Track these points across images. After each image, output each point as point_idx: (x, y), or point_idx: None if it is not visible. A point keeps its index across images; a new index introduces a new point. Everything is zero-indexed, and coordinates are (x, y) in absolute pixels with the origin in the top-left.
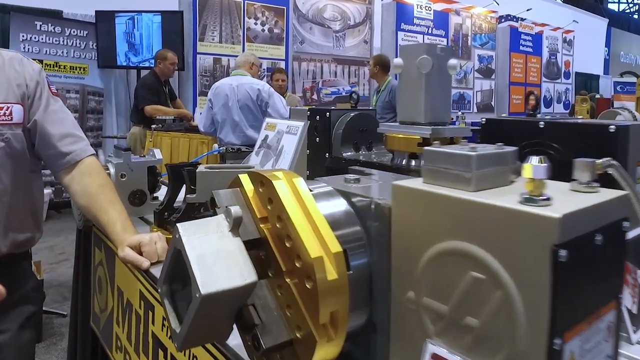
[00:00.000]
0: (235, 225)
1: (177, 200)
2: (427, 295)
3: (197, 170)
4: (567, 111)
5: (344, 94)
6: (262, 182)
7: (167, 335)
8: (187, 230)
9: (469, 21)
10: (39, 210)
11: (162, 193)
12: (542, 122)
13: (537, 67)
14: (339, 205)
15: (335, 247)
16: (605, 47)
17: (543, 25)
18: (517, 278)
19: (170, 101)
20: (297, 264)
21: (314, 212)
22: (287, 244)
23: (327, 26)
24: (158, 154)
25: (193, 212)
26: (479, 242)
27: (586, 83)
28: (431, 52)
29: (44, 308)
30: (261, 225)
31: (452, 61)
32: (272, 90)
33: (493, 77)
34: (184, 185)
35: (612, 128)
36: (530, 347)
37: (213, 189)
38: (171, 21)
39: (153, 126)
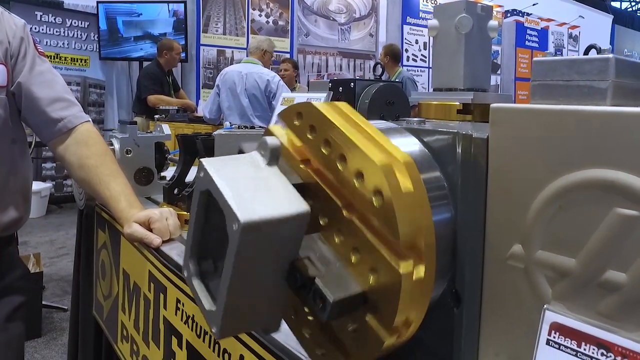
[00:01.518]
0: (274, 157)
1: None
2: (542, 248)
3: (215, 133)
4: None
5: None
6: (299, 113)
7: (181, 320)
8: (214, 165)
9: None
10: (28, 187)
11: (169, 174)
12: None
13: None
14: (412, 144)
15: (404, 156)
16: (609, 44)
17: (549, 20)
18: None
19: (174, 92)
20: (357, 184)
21: (368, 126)
22: (340, 167)
23: (332, 19)
24: (166, 129)
25: None
26: (631, 167)
27: None
28: (471, 10)
29: (43, 302)
30: (301, 166)
31: (493, 22)
32: (282, 83)
33: (499, 72)
34: (197, 159)
35: None
36: None
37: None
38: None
39: (156, 116)
